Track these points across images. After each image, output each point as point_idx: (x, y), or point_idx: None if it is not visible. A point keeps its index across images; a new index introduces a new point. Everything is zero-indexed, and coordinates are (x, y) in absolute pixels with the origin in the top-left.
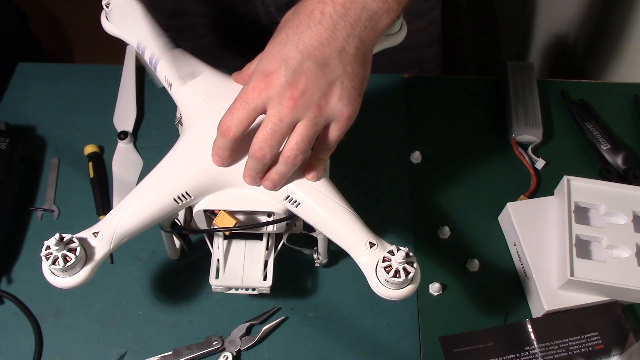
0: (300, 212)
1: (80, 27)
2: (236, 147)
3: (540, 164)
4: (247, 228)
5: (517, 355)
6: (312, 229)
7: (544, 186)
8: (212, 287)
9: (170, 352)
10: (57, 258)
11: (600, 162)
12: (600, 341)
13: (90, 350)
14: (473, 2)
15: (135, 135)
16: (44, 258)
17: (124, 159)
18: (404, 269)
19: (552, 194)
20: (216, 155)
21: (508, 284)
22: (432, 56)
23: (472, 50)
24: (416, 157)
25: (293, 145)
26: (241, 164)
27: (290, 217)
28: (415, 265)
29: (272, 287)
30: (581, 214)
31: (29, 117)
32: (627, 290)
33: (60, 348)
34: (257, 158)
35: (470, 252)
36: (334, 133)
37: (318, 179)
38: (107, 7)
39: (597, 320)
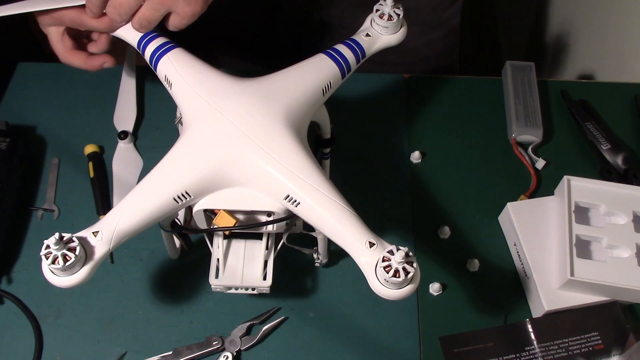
0: (300, 211)
1: None
2: (104, 5)
3: (540, 164)
4: (247, 228)
5: (517, 355)
6: (312, 229)
7: (544, 186)
8: (212, 286)
9: (170, 352)
10: (57, 257)
11: (600, 162)
12: (600, 341)
13: (90, 350)
14: (474, 2)
15: (135, 135)
16: (43, 257)
17: (124, 158)
18: (404, 268)
19: (552, 194)
20: (88, 9)
21: (508, 284)
22: (447, 65)
23: (472, 50)
24: (416, 157)
25: (136, 19)
26: (241, 165)
27: (290, 217)
28: (414, 265)
29: (272, 287)
30: (581, 214)
31: (29, 117)
32: (627, 290)
33: (60, 348)
34: (110, 17)
35: (470, 252)
36: (175, 21)
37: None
38: None
39: (597, 320)
